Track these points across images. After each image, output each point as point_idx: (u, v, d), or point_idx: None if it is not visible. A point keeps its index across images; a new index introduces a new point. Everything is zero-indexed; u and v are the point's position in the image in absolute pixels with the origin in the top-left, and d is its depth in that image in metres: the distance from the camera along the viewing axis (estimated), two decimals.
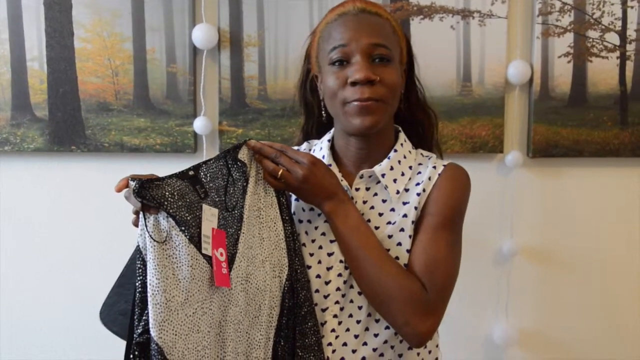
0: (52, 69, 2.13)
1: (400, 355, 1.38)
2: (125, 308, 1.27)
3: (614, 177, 2.18)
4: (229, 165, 1.28)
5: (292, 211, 1.41)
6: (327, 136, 1.48)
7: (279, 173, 1.31)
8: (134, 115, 2.14)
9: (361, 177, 1.40)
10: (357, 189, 1.40)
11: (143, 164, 2.16)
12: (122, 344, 1.21)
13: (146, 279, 1.13)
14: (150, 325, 1.11)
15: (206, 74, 2.14)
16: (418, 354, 1.41)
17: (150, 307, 1.11)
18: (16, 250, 2.24)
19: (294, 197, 1.42)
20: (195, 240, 1.17)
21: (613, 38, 2.10)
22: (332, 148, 1.47)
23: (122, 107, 2.14)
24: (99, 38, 2.13)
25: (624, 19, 2.10)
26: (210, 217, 1.21)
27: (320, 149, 1.48)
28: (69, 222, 2.22)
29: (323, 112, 1.44)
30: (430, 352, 1.44)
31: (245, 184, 1.29)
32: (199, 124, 2.11)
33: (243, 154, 1.30)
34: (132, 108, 2.14)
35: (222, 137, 2.15)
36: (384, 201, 1.39)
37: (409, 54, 1.47)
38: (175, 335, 1.13)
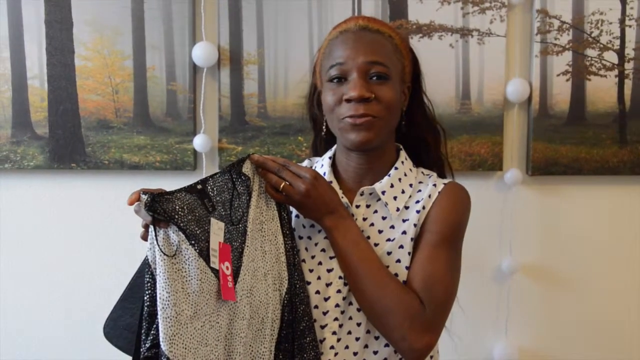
0: (53, 87, 2.14)
1: None
2: (130, 322, 1.27)
3: (613, 194, 2.19)
4: (234, 179, 1.28)
5: (292, 227, 1.42)
6: (329, 153, 1.50)
7: (281, 186, 1.32)
8: (133, 133, 2.15)
9: (362, 194, 1.40)
10: (357, 206, 1.41)
11: (143, 182, 2.15)
12: (124, 358, 1.20)
13: (155, 293, 1.13)
14: (161, 339, 1.11)
15: (206, 92, 2.15)
16: None
17: (160, 321, 1.11)
18: (16, 267, 2.23)
19: (294, 213, 1.42)
20: (205, 254, 1.18)
21: (611, 57, 2.11)
22: (334, 165, 1.47)
23: (122, 124, 2.15)
24: (99, 56, 2.13)
25: (622, 37, 2.11)
26: (217, 230, 1.22)
27: (321, 165, 1.48)
28: (69, 240, 2.22)
29: (324, 127, 1.45)
30: None
31: (248, 197, 1.30)
32: (199, 142, 2.11)
33: (247, 168, 1.31)
34: (132, 125, 2.15)
35: (221, 155, 2.16)
36: (383, 218, 1.39)
37: (416, 71, 1.48)
38: (185, 349, 1.13)
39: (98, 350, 2.21)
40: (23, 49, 2.13)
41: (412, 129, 1.49)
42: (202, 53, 2.09)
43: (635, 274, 2.22)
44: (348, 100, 1.33)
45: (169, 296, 1.12)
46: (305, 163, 1.56)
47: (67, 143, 2.15)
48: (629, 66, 2.12)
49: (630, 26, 2.11)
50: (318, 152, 1.59)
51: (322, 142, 1.56)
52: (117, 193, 2.19)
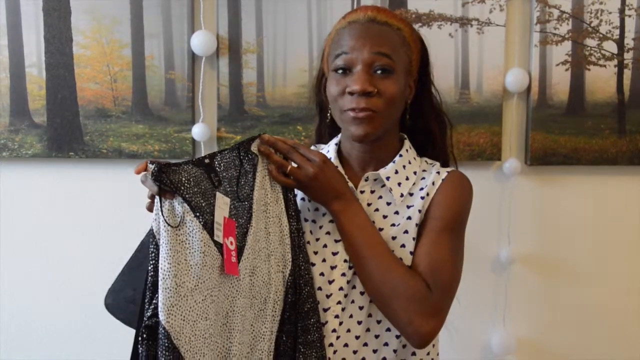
0: (51, 75, 2.13)
1: None
2: (132, 295, 1.29)
3: (611, 185, 2.19)
4: (241, 157, 1.29)
5: (298, 209, 1.42)
6: (335, 140, 1.51)
7: (288, 169, 1.33)
8: (132, 122, 2.15)
9: (366, 179, 1.42)
10: (362, 192, 1.42)
11: None
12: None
13: (158, 263, 1.14)
14: (159, 309, 1.12)
15: (205, 81, 2.14)
16: (422, 359, 1.41)
17: (160, 291, 1.13)
18: (15, 256, 2.23)
19: (299, 196, 1.43)
20: (209, 227, 1.19)
21: (611, 46, 2.11)
22: (339, 152, 1.49)
23: (121, 113, 2.14)
24: (97, 44, 2.13)
25: (622, 27, 2.11)
26: (222, 205, 1.23)
27: (327, 152, 1.49)
28: (67, 228, 2.21)
29: (329, 115, 1.46)
30: (432, 359, 1.45)
31: (254, 176, 1.31)
32: (197, 131, 2.11)
33: (256, 147, 1.32)
34: (130, 114, 2.14)
35: (220, 144, 2.15)
36: (388, 204, 1.41)
37: (424, 63, 1.48)
38: (184, 320, 1.14)
39: (99, 334, 2.22)
40: (21, 37, 2.12)
41: (419, 119, 1.50)
42: (201, 42, 2.08)
43: (633, 265, 2.22)
44: (351, 93, 1.34)
45: (170, 267, 1.13)
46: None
47: (65, 131, 2.15)
48: (628, 56, 2.11)
49: (629, 16, 2.10)
50: (322, 137, 1.59)
51: (327, 128, 1.57)
52: (115, 182, 2.18)
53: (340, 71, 1.36)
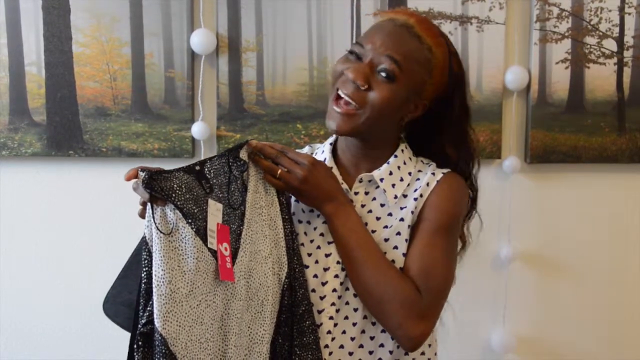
0: (50, 74, 2.13)
1: None
2: (128, 299, 1.28)
3: (611, 183, 2.19)
4: (230, 163, 1.29)
5: (292, 211, 1.42)
6: (330, 139, 1.49)
7: (277, 173, 1.32)
8: (131, 120, 2.14)
9: (360, 181, 1.40)
10: (356, 193, 1.41)
11: None
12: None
13: (151, 270, 1.14)
14: (155, 316, 1.12)
15: (204, 79, 2.14)
16: (414, 359, 1.41)
17: (155, 298, 1.12)
18: (14, 255, 2.23)
19: (293, 197, 1.42)
20: (202, 233, 1.19)
21: (610, 44, 2.11)
22: (335, 151, 1.47)
23: (120, 112, 2.14)
24: (97, 43, 2.13)
25: (622, 25, 2.11)
26: (215, 212, 1.22)
27: (322, 152, 1.48)
28: (66, 227, 2.21)
29: None
30: (429, 359, 1.44)
31: (243, 182, 1.30)
32: (197, 129, 2.11)
33: (244, 154, 1.31)
34: (130, 113, 2.14)
35: (220, 142, 2.15)
36: (382, 205, 1.39)
37: (448, 98, 1.42)
38: (179, 326, 1.14)
39: (98, 339, 2.22)
40: (20, 35, 2.12)
41: (441, 152, 1.46)
42: (201, 40, 2.08)
43: (633, 262, 2.22)
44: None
45: (164, 274, 1.13)
46: (306, 149, 1.55)
47: (64, 130, 2.14)
48: (628, 54, 2.11)
49: (629, 14, 2.10)
50: None
51: None
52: (115, 181, 2.16)
53: (352, 54, 1.34)
